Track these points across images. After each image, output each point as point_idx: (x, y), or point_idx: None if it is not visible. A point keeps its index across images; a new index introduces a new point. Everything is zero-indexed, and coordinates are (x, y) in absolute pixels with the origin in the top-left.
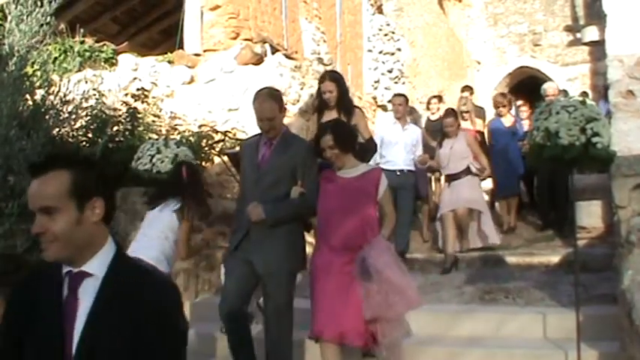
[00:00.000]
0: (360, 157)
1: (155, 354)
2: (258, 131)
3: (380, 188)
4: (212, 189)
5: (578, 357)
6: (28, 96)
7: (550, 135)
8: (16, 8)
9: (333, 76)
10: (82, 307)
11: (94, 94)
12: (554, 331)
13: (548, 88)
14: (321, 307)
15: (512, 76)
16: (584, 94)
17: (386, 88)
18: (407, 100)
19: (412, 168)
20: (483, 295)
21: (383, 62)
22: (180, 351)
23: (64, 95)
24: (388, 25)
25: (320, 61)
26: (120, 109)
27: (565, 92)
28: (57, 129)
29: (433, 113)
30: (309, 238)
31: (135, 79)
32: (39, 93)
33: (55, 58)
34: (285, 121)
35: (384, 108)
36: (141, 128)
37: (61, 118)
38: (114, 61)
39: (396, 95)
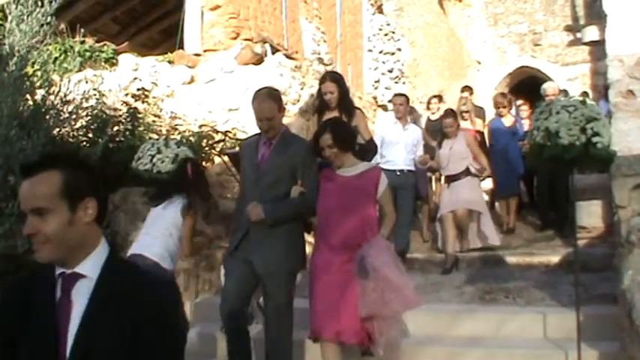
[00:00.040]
0: (361, 158)
1: (153, 354)
2: (258, 131)
3: (379, 187)
4: (212, 189)
5: (579, 357)
6: (28, 96)
7: (550, 135)
8: (16, 8)
9: (334, 77)
10: (75, 309)
11: (95, 94)
12: (555, 331)
13: (548, 87)
14: (320, 306)
15: (512, 76)
16: (585, 93)
17: (386, 88)
18: (408, 100)
19: (412, 168)
20: (483, 295)
21: (383, 62)
22: (179, 351)
23: (65, 95)
24: (388, 24)
25: (320, 61)
26: (120, 109)
27: (565, 92)
28: (57, 129)
29: (433, 113)
30: (309, 237)
31: (135, 79)
32: (39, 93)
33: (56, 58)
34: (286, 121)
35: (384, 108)
36: (141, 128)
37: (62, 118)
38: (114, 61)
39: (396, 95)
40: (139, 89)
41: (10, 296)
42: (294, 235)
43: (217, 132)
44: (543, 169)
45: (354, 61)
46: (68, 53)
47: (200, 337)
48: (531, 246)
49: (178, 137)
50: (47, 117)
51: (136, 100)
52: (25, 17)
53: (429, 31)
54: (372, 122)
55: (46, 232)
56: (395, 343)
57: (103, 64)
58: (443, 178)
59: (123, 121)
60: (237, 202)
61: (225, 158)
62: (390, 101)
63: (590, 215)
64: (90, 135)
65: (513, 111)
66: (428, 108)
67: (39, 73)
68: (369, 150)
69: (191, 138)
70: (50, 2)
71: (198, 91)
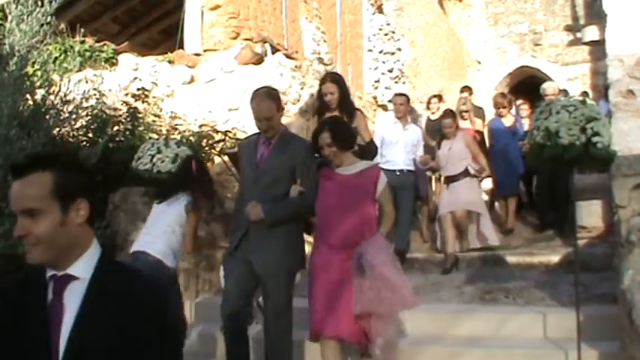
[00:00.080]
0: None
1: (146, 356)
2: (258, 131)
3: (379, 186)
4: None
5: (579, 357)
6: (28, 96)
7: (550, 134)
8: (16, 8)
9: (335, 78)
10: (68, 311)
11: (95, 94)
12: (555, 330)
13: (547, 87)
14: (319, 305)
15: (512, 76)
16: (585, 93)
17: (386, 88)
18: (408, 99)
19: (412, 168)
20: (483, 294)
21: (383, 62)
22: (174, 352)
23: (65, 95)
24: (388, 24)
25: (320, 60)
26: (120, 109)
27: (565, 92)
28: (57, 129)
29: (433, 113)
30: (308, 237)
31: (135, 78)
32: (39, 93)
33: (56, 58)
34: (286, 120)
35: (384, 108)
36: (141, 128)
37: (62, 117)
38: (114, 60)
39: (397, 95)
40: (139, 89)
41: (0, 299)
42: (294, 235)
43: (217, 132)
44: (543, 169)
45: (354, 61)
46: (68, 53)
47: (200, 337)
48: (531, 246)
49: (178, 137)
50: (47, 117)
51: (136, 100)
52: (25, 17)
53: (429, 30)
54: (372, 122)
55: (37, 234)
56: (392, 343)
57: (103, 63)
58: (442, 179)
59: (123, 120)
60: (236, 202)
61: (225, 158)
62: (390, 101)
63: (590, 215)
64: (90, 135)
65: (513, 111)
66: (428, 108)
67: (39, 73)
68: (369, 151)
69: (191, 138)
70: (50, 2)
71: (198, 91)
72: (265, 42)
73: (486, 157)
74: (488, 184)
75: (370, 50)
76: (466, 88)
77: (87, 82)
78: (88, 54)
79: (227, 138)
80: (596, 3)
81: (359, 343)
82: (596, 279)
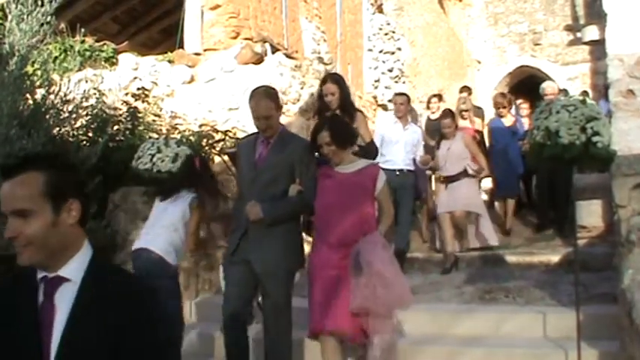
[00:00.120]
0: None
1: (139, 357)
2: (256, 130)
3: (377, 184)
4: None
5: (579, 356)
6: (28, 95)
7: (550, 134)
8: (16, 7)
9: (335, 79)
10: (59, 313)
11: (95, 94)
12: (555, 330)
13: (546, 87)
14: (319, 303)
15: (512, 76)
16: (585, 93)
17: (386, 88)
18: (409, 99)
19: (412, 168)
20: (483, 294)
21: (383, 61)
22: (165, 354)
23: (65, 94)
24: (388, 24)
25: (320, 60)
26: (120, 109)
27: (565, 91)
28: (57, 128)
29: (433, 112)
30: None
31: (135, 78)
32: (39, 92)
33: (56, 58)
34: (286, 120)
35: (384, 107)
36: (141, 127)
37: (62, 117)
38: (114, 60)
39: (397, 94)
40: (139, 88)
41: None
42: (293, 234)
43: (217, 131)
44: (543, 169)
45: (354, 61)
46: (68, 53)
47: (200, 336)
48: (531, 245)
49: (178, 136)
50: (47, 116)
51: (136, 100)
52: (25, 16)
53: (429, 30)
54: (371, 122)
55: (28, 234)
56: (391, 344)
57: (103, 63)
58: (441, 179)
59: (123, 120)
60: (235, 201)
61: (225, 157)
62: (390, 101)
63: (590, 214)
64: (90, 134)
65: (513, 110)
66: (428, 107)
67: (39, 73)
68: (369, 152)
69: (191, 137)
70: (50, 1)
71: (198, 91)
72: (265, 41)
73: (486, 157)
74: (488, 183)
75: (370, 50)
76: (465, 89)
77: (87, 81)
78: (88, 53)
79: (227, 138)
80: (596, 3)
81: (358, 342)
82: (596, 278)
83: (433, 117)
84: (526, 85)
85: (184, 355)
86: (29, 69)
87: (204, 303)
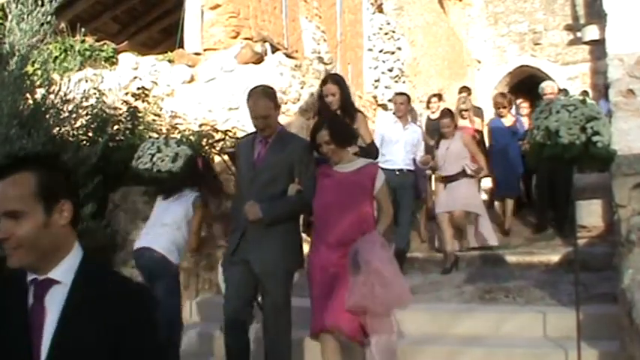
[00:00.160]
0: None
1: (141, 357)
2: (255, 130)
3: (376, 183)
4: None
5: (579, 356)
6: (28, 95)
7: (550, 134)
8: (16, 7)
9: (336, 79)
10: (49, 316)
11: (95, 93)
12: (554, 330)
13: (546, 86)
14: (319, 303)
15: (512, 75)
16: (585, 93)
17: (386, 87)
18: (409, 99)
19: (412, 167)
20: (483, 294)
21: (383, 61)
22: (159, 355)
23: (65, 94)
24: (388, 24)
25: (320, 60)
26: (120, 108)
27: (565, 91)
28: (57, 128)
29: (433, 112)
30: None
31: (135, 78)
32: (39, 92)
33: (56, 57)
34: (286, 120)
35: (384, 107)
36: (141, 127)
37: (62, 117)
38: (114, 60)
39: (398, 94)
40: (139, 88)
41: None
42: (292, 234)
43: (217, 131)
44: (543, 168)
45: (354, 60)
46: (68, 52)
47: (200, 336)
48: (531, 245)
49: (178, 136)
50: (47, 116)
51: (136, 99)
52: (26, 16)
53: (429, 30)
54: (372, 122)
55: (19, 236)
56: (390, 344)
57: (103, 63)
58: (440, 178)
59: (123, 120)
60: (234, 201)
61: (225, 157)
62: (390, 100)
63: (590, 214)
64: (90, 134)
65: (513, 110)
66: (428, 107)
67: (39, 72)
68: (370, 153)
69: (191, 137)
70: (50, 1)
71: (199, 90)
72: (265, 41)
73: (485, 157)
74: (488, 183)
75: (370, 49)
76: (465, 89)
77: (87, 81)
78: (88, 53)
79: (227, 137)
80: (596, 2)
81: (358, 341)
82: (596, 278)
83: (433, 117)
84: (526, 84)
85: (184, 355)
86: (29, 69)
87: (204, 303)
